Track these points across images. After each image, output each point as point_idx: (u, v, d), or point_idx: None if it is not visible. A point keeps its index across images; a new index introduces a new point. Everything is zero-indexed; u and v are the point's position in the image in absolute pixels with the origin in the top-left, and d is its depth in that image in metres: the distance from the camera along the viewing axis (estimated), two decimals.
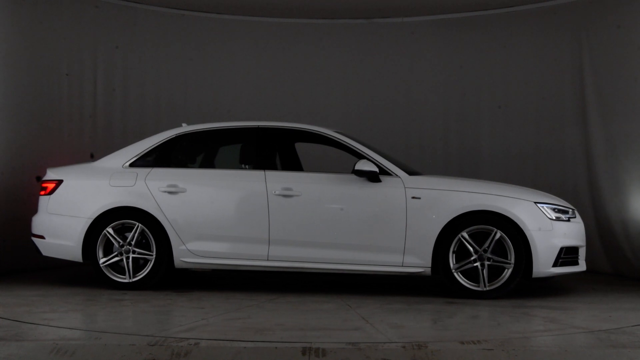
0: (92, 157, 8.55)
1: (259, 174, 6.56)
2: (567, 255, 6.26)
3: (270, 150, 6.88)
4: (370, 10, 9.18)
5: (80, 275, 7.57)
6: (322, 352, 4.27)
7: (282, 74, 9.52)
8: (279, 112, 9.36)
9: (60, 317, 5.38)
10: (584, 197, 8.25)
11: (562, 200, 6.66)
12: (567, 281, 7.25)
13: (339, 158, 7.21)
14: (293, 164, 7.39)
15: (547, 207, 6.27)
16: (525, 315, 5.55)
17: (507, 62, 8.94)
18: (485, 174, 8.65)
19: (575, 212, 6.49)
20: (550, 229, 6.19)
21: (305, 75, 9.52)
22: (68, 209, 6.74)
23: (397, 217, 6.29)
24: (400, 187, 6.34)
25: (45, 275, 7.54)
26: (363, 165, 6.34)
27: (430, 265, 6.25)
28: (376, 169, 6.36)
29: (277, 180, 6.52)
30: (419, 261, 6.26)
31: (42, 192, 6.90)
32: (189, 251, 6.55)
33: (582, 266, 6.44)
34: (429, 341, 4.54)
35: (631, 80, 7.75)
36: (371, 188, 6.37)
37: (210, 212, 6.56)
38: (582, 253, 6.44)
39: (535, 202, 6.26)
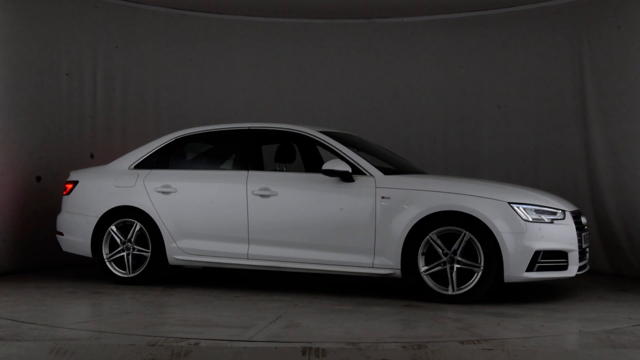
0: (92, 157, 8.57)
1: (242, 174, 6.69)
2: (547, 259, 5.89)
3: (255, 150, 6.91)
4: (370, 11, 9.19)
5: (73, 272, 7.61)
6: (322, 352, 4.28)
7: (282, 74, 9.52)
8: (279, 112, 9.37)
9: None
10: (584, 196, 8.24)
11: (559, 200, 6.37)
12: (566, 282, 7.22)
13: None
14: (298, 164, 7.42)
15: (523, 207, 5.91)
16: (456, 322, 5.27)
17: (507, 62, 8.94)
18: (485, 174, 8.64)
19: (566, 213, 6.07)
20: (523, 231, 5.83)
21: (305, 75, 9.53)
22: (81, 207, 7.20)
23: (367, 217, 6.17)
24: (371, 186, 6.23)
25: (43, 275, 7.56)
26: (333, 165, 6.26)
27: (399, 267, 6.09)
28: (347, 169, 6.25)
29: (258, 180, 6.61)
30: (389, 262, 6.12)
31: (64, 192, 7.39)
32: (179, 249, 6.81)
33: (570, 271, 6.01)
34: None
35: (631, 80, 7.75)
36: (344, 188, 6.30)
37: (197, 211, 6.77)
38: (572, 257, 6.01)
39: (509, 203, 5.92)
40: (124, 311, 5.65)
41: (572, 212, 6.19)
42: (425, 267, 6.02)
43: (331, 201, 6.32)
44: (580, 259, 6.14)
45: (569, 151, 8.49)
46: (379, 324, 5.21)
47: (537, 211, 5.96)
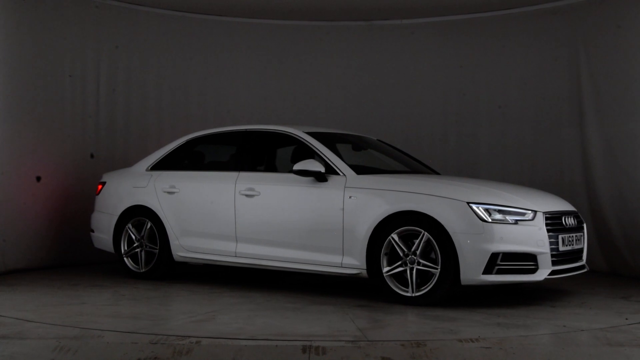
0: (92, 157, 8.61)
1: (234, 174, 6.85)
2: (511, 261, 5.63)
3: (246, 151, 7.07)
4: (370, 12, 9.23)
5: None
6: (322, 351, 4.31)
7: (282, 75, 9.56)
8: (279, 112, 9.42)
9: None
10: (581, 196, 8.28)
11: (543, 198, 6.11)
12: (565, 281, 7.24)
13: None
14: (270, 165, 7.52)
15: (483, 207, 5.66)
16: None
17: (506, 63, 8.98)
18: (483, 174, 8.69)
19: (537, 214, 5.78)
20: (479, 232, 5.60)
21: (305, 76, 9.57)
22: (106, 206, 7.66)
23: (336, 217, 6.14)
24: (340, 186, 6.20)
25: (43, 274, 7.60)
26: (305, 165, 6.27)
27: (365, 267, 6.01)
28: (319, 169, 6.24)
29: (245, 180, 6.75)
30: (355, 263, 6.05)
31: (96, 192, 7.87)
32: (181, 246, 7.05)
33: (538, 275, 5.70)
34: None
35: (629, 80, 7.79)
36: (318, 188, 6.30)
37: (194, 210, 7.01)
38: (542, 260, 5.72)
39: (468, 202, 5.69)
40: (82, 302, 6.03)
41: (549, 213, 5.91)
42: (388, 268, 5.91)
43: (305, 201, 6.36)
44: (560, 262, 5.89)
45: (566, 151, 8.53)
46: (292, 322, 5.21)
47: (500, 211, 5.71)
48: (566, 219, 6.09)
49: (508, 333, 4.82)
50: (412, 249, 5.81)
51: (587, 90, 8.27)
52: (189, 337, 4.60)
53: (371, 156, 7.33)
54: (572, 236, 6.10)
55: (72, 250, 8.35)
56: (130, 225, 7.39)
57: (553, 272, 5.81)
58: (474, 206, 5.69)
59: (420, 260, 5.78)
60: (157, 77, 9.21)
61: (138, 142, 8.97)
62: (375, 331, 4.94)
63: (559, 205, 6.25)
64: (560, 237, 5.91)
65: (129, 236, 7.41)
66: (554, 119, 8.65)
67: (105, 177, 7.88)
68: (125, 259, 7.41)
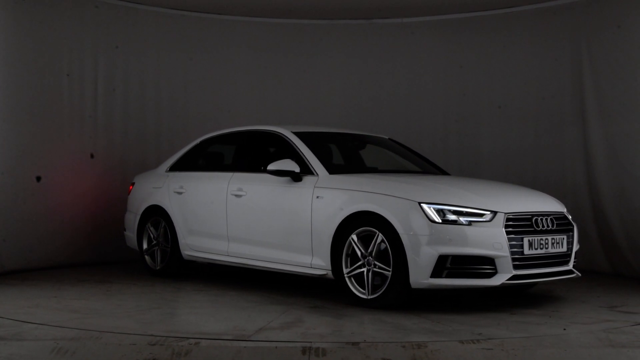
0: (92, 157, 8.58)
1: (228, 175, 6.96)
2: (464, 265, 5.37)
3: (240, 152, 7.24)
4: (370, 11, 9.20)
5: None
6: (322, 352, 4.29)
7: (282, 74, 9.53)
8: (279, 112, 9.39)
9: None
10: (583, 196, 8.25)
11: (521, 197, 5.91)
12: (567, 281, 7.20)
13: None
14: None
15: (434, 207, 5.44)
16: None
17: (507, 63, 8.95)
18: (484, 174, 8.66)
19: (497, 215, 5.49)
20: (427, 233, 5.39)
21: (305, 75, 9.54)
22: (133, 206, 7.97)
23: (305, 217, 6.12)
24: (311, 186, 6.16)
25: (42, 274, 7.59)
26: (279, 165, 6.25)
27: (330, 267, 5.92)
28: (292, 168, 6.22)
29: (236, 181, 6.84)
30: (322, 263, 5.98)
31: (128, 193, 8.17)
32: (187, 245, 7.21)
33: (495, 280, 5.41)
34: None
35: (631, 80, 7.76)
36: (293, 187, 6.30)
37: (196, 210, 7.18)
38: (501, 264, 5.40)
39: (419, 202, 5.48)
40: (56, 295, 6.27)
41: (514, 214, 5.59)
42: (347, 269, 5.81)
43: (281, 200, 6.38)
44: (526, 267, 5.56)
45: (568, 151, 8.50)
46: (208, 320, 5.25)
47: (455, 212, 5.47)
48: (540, 220, 5.72)
49: (423, 338, 4.66)
50: (369, 250, 5.69)
51: (588, 89, 8.24)
52: (188, 338, 4.58)
53: (378, 155, 7.33)
54: (546, 239, 5.71)
55: (72, 250, 8.33)
56: (149, 225, 7.65)
57: (515, 277, 5.48)
58: (424, 206, 5.49)
59: (376, 262, 5.65)
60: (156, 77, 9.18)
61: (137, 142, 8.95)
62: (271, 331, 4.84)
63: (535, 205, 5.90)
64: (526, 239, 5.57)
65: (149, 235, 7.67)
66: (555, 119, 8.62)
67: (135, 179, 8.17)
68: (145, 256, 7.68)
